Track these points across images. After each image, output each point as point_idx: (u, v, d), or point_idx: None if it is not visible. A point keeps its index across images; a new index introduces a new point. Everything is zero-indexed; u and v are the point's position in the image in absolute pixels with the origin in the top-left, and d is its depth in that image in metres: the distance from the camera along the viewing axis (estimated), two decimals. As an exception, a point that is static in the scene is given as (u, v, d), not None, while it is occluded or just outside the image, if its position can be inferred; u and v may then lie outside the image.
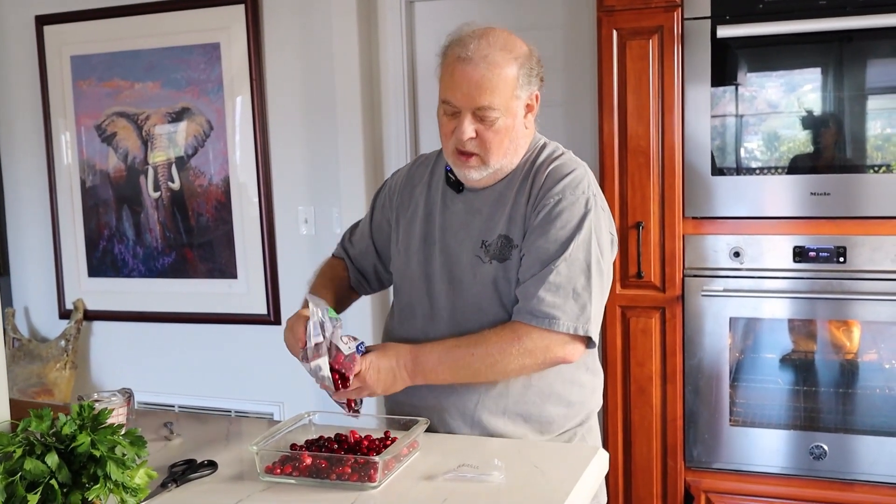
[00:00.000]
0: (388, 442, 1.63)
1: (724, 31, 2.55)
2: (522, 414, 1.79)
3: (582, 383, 1.85)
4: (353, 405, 1.79)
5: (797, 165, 2.62)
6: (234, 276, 3.73)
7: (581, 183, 1.77)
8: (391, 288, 2.05)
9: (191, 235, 3.77)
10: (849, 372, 2.73)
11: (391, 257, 1.96)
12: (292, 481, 1.54)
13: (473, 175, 1.78)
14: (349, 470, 1.53)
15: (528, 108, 1.79)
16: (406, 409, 1.84)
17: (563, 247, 1.71)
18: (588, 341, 1.73)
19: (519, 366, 1.71)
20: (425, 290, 1.85)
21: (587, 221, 1.73)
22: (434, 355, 1.73)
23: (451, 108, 1.75)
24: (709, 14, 2.58)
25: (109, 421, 1.33)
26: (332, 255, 2.11)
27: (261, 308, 3.69)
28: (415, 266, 1.87)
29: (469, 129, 1.73)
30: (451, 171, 1.86)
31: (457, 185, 1.85)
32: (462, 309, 1.80)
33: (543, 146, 1.85)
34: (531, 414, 1.79)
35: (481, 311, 1.78)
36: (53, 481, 1.22)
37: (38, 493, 1.20)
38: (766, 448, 2.67)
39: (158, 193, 3.79)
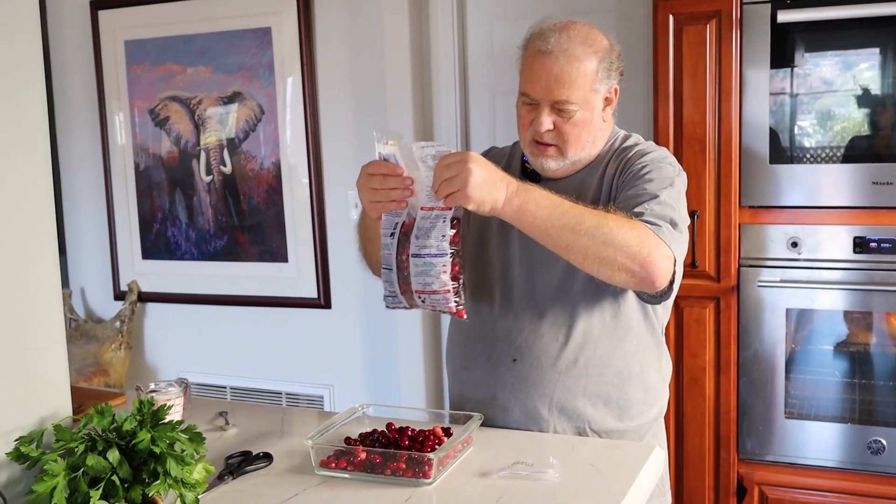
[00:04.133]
0: (443, 437, 1.62)
1: (786, 16, 2.48)
2: (602, 396, 1.79)
3: (658, 367, 1.86)
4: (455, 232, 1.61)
5: (858, 154, 2.56)
6: (284, 259, 3.75)
7: (668, 156, 1.81)
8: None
9: (242, 219, 3.80)
10: (909, 365, 2.67)
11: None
12: (347, 476, 1.55)
13: (551, 165, 1.80)
14: (403, 465, 1.53)
15: (607, 101, 1.80)
16: (481, 394, 1.85)
17: (656, 191, 1.70)
18: (672, 276, 1.66)
19: (624, 243, 1.58)
20: (502, 274, 1.85)
21: (677, 183, 1.75)
22: (541, 189, 1.62)
23: (530, 100, 1.76)
24: (769, -2, 2.52)
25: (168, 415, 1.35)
26: None
27: (311, 292, 3.71)
28: (493, 250, 1.88)
29: (547, 121, 1.74)
30: (527, 161, 1.86)
31: (534, 176, 1.85)
32: (542, 291, 1.80)
33: (626, 137, 1.88)
34: (611, 396, 1.79)
35: (563, 292, 1.79)
36: (115, 477, 1.24)
37: (101, 489, 1.22)
38: (821, 441, 2.62)
39: (211, 177, 3.82)
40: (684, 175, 1.82)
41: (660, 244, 1.62)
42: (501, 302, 1.84)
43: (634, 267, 1.59)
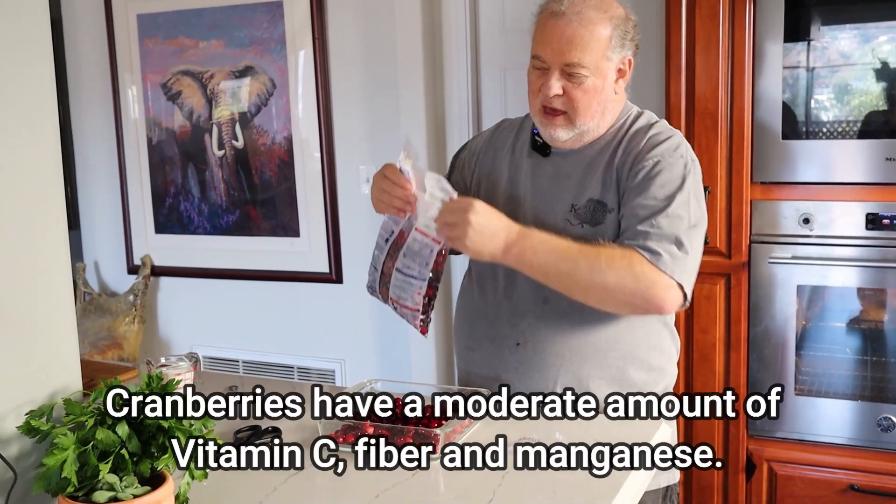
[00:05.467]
0: (450, 413, 1.63)
1: (800, -11, 2.46)
2: (606, 378, 1.80)
3: (663, 349, 1.86)
4: (440, 266, 1.73)
5: (872, 130, 2.53)
6: (296, 234, 3.76)
7: (679, 147, 1.77)
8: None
9: (254, 193, 3.80)
10: (920, 342, 2.65)
11: None
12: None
13: (560, 134, 1.78)
14: (411, 440, 1.54)
15: (620, 72, 1.78)
16: (485, 376, 1.86)
17: (666, 203, 1.69)
18: (684, 297, 1.69)
19: (619, 284, 1.64)
20: None
21: (687, 183, 1.72)
22: (539, 234, 1.69)
23: (541, 63, 1.74)
24: (783, -29, 2.49)
25: (177, 389, 1.36)
26: None
27: (323, 266, 3.72)
28: None
29: (556, 85, 1.72)
30: (537, 133, 1.85)
31: (543, 149, 1.84)
32: None
33: (638, 114, 1.85)
34: (614, 378, 1.80)
35: None
36: (124, 451, 1.25)
37: (110, 463, 1.23)
38: (831, 418, 2.62)
39: (223, 152, 3.82)
40: (697, 165, 1.78)
41: (658, 277, 1.65)
42: (505, 284, 1.84)
43: (636, 301, 1.67)
